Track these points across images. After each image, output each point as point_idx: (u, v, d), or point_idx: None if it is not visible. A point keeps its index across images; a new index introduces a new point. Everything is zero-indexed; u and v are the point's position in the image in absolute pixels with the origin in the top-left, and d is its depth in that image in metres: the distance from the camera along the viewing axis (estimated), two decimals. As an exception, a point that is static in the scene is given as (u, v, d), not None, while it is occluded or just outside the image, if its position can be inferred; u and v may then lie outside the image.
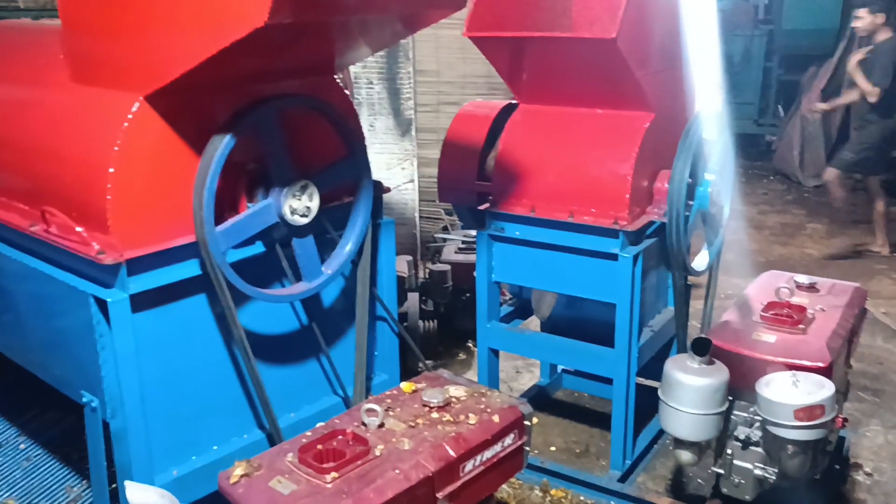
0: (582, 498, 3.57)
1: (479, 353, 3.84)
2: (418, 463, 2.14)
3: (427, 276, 5.23)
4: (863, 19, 6.52)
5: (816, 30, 9.56)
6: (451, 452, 2.21)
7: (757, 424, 3.00)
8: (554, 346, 3.73)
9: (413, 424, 2.32)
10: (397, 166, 5.24)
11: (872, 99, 6.41)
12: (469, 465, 2.25)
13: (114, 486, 2.48)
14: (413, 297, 4.75)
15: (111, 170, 2.22)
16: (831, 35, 9.43)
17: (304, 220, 2.55)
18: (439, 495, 2.16)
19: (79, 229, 2.32)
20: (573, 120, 3.50)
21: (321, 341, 2.82)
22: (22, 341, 2.81)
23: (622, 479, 3.58)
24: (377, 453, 2.16)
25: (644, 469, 3.81)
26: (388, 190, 2.98)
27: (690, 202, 3.46)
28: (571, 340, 3.63)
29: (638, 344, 3.47)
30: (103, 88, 2.40)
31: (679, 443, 3.06)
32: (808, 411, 2.75)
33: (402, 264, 4.80)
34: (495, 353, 3.86)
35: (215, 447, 2.63)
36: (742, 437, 3.03)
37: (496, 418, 2.37)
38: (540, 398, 4.38)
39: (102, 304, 2.24)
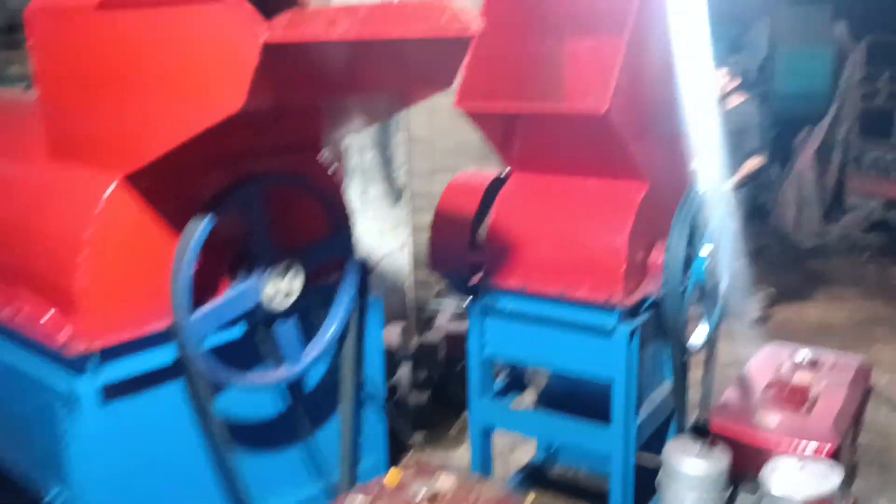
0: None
1: (472, 432, 3.71)
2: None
3: (420, 344, 5.12)
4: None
5: (809, 93, 9.66)
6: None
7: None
8: (549, 424, 3.60)
9: (398, 522, 2.19)
10: (390, 233, 5.17)
11: None
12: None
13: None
14: (405, 368, 4.63)
15: (84, 252, 2.13)
16: (823, 98, 9.52)
17: (287, 302, 2.46)
18: None
19: (51, 312, 2.23)
20: (566, 190, 3.44)
21: (305, 425, 2.70)
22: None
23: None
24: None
25: (644, 552, 3.64)
26: (375, 268, 2.89)
27: (688, 275, 3.38)
28: (567, 418, 3.51)
29: (636, 422, 3.35)
30: (81, 165, 2.32)
31: (682, 530, 2.91)
32: None
33: (393, 333, 4.69)
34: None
35: (191, 542, 2.49)
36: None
37: (487, 514, 2.24)
38: (536, 475, 4.23)
39: (71, 395, 2.13)
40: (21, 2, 2.46)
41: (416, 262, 5.40)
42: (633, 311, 3.28)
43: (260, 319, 2.51)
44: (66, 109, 2.37)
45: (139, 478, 2.33)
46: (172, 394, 2.37)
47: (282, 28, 1.85)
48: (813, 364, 3.39)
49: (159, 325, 2.29)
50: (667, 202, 3.39)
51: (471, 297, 3.58)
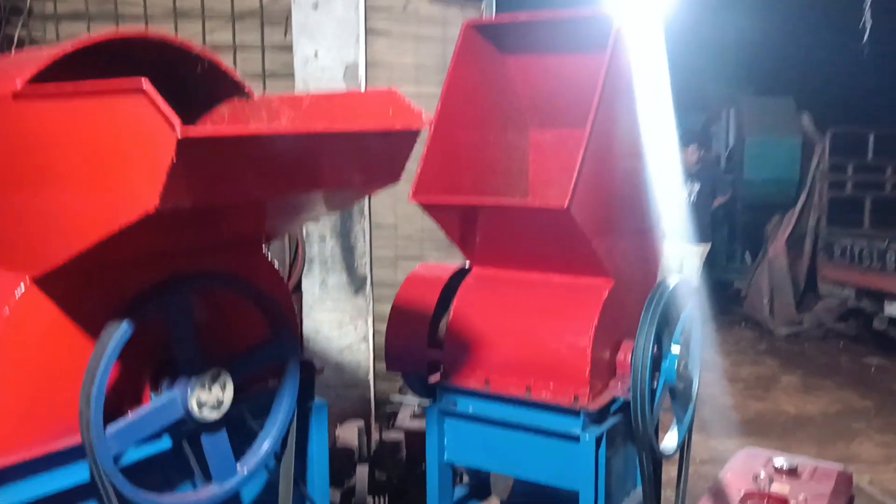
0: None
1: (430, 546, 3.43)
2: None
3: (380, 443, 4.85)
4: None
5: (778, 180, 9.76)
6: None
7: None
8: (513, 537, 3.34)
9: None
10: (349, 324, 4.96)
11: None
12: None
13: None
14: (362, 471, 4.35)
15: (-14, 362, 1.92)
16: (792, 185, 9.61)
17: (215, 414, 2.23)
18: None
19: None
20: (529, 286, 3.29)
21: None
22: None
23: None
24: None
25: None
26: (321, 371, 2.68)
27: (657, 376, 3.20)
28: (532, 530, 3.26)
29: (605, 536, 3.10)
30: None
31: None
32: None
33: (351, 432, 4.44)
34: (448, 542, 3.46)
35: None
36: None
37: None
38: (500, 590, 3.92)
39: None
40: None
41: (377, 354, 5.18)
42: (601, 415, 3.08)
43: (189, 431, 2.28)
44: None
45: None
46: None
47: (207, 122, 1.70)
48: (791, 472, 3.19)
49: (75, 440, 2.06)
50: (634, 298, 3.24)
51: (429, 398, 3.37)
